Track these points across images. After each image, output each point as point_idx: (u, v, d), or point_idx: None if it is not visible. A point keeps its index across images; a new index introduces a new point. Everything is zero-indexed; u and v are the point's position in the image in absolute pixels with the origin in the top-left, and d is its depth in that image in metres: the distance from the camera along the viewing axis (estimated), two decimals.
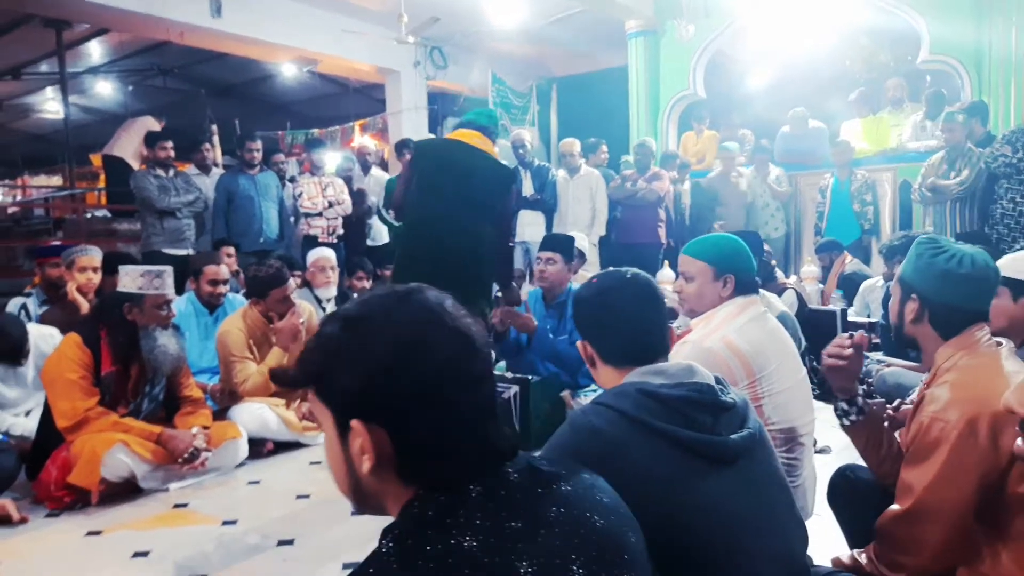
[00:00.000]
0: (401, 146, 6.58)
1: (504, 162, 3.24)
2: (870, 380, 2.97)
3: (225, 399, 3.55)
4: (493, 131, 3.26)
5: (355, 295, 4.83)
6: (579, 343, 1.44)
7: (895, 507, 1.49)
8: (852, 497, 1.79)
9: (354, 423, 0.80)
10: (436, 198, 3.10)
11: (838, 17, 7.03)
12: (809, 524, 1.92)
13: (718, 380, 1.27)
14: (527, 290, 5.43)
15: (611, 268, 1.47)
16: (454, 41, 8.96)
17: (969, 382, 1.45)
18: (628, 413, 1.16)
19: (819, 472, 2.03)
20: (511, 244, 3.51)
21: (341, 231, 5.93)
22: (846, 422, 1.75)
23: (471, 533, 0.75)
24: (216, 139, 8.61)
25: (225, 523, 2.65)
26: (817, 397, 3.42)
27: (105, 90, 12.48)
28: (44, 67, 10.82)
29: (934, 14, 6.32)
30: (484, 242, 3.14)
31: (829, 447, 3.16)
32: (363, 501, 0.86)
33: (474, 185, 3.08)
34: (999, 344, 1.53)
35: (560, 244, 3.68)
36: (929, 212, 5.21)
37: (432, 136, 6.54)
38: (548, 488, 0.84)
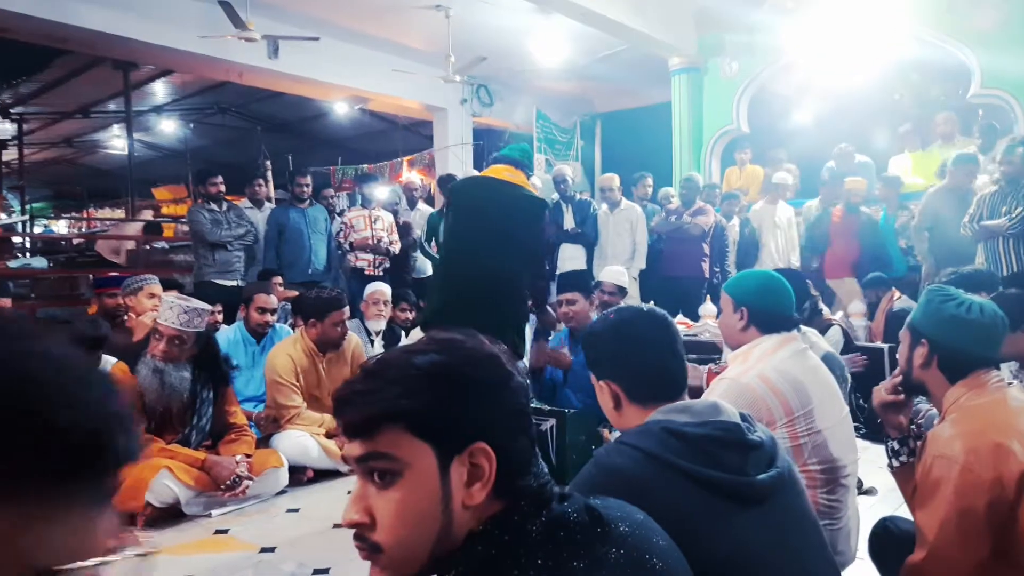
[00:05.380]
0: (445, 181, 6.71)
1: (537, 194, 3.30)
2: (920, 420, 2.88)
3: (269, 426, 3.62)
4: (526, 164, 3.33)
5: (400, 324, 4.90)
6: (600, 384, 1.36)
7: (912, 556, 1.45)
8: (893, 550, 1.74)
9: (479, 446, 0.80)
10: (470, 234, 3.14)
11: (887, 53, 6.96)
12: (853, 568, 1.86)
13: (745, 418, 1.25)
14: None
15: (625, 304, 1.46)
16: (500, 79, 9.15)
17: (970, 417, 1.44)
18: (652, 452, 1.14)
19: (866, 515, 1.98)
20: (545, 270, 3.59)
21: (387, 264, 6.06)
22: (896, 463, 1.72)
23: (533, 572, 0.76)
24: (269, 174, 8.94)
25: (264, 550, 2.69)
26: (862, 436, 3.32)
27: (168, 127, 13.08)
28: (112, 106, 11.39)
29: (985, 49, 6.21)
30: (516, 275, 3.14)
31: (875, 488, 3.06)
32: (439, 551, 0.81)
33: (505, 218, 3.11)
34: (1009, 384, 1.52)
35: (577, 282, 3.74)
36: (980, 249, 5.03)
37: (475, 173, 6.64)
38: (606, 529, 0.83)
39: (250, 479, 3.07)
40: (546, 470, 0.87)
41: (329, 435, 3.56)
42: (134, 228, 9.24)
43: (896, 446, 1.71)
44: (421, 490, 0.79)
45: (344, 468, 3.53)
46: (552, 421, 3.29)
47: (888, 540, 1.78)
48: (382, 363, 0.84)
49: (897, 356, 1.72)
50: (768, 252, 6.43)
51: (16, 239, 9.89)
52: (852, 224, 6.05)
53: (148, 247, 8.69)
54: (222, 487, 3.00)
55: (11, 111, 11.51)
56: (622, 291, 4.57)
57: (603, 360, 1.38)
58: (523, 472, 0.83)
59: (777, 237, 6.45)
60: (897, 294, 5.20)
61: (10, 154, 13.80)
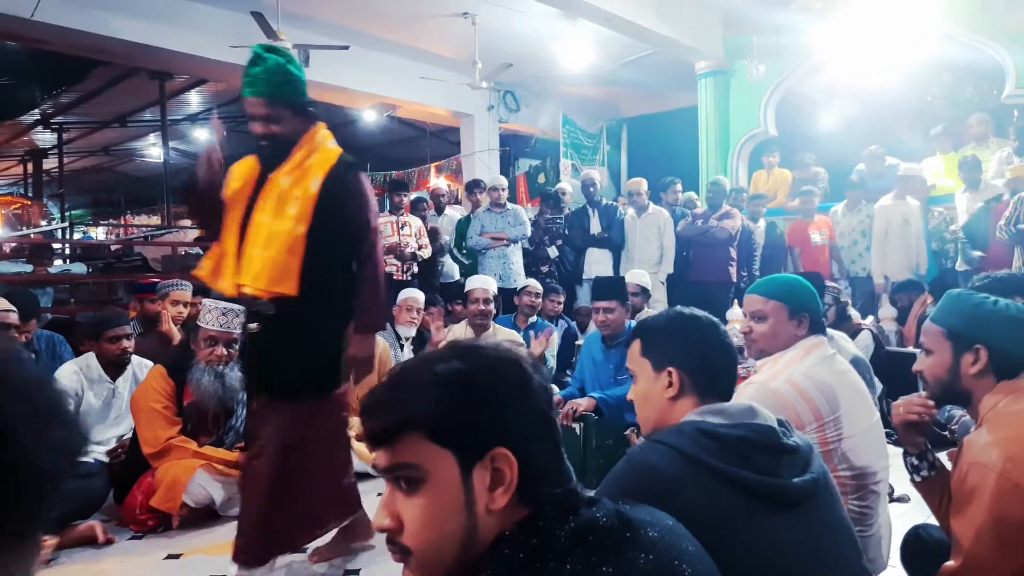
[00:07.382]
0: (472, 186, 6.76)
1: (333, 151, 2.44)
2: (953, 427, 2.83)
3: None
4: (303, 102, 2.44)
5: (430, 330, 4.95)
6: (661, 373, 1.34)
7: (947, 564, 1.43)
8: (926, 558, 1.71)
9: (499, 451, 0.81)
10: None
11: (918, 53, 6.85)
12: None
13: (781, 422, 1.24)
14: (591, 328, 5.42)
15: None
16: (526, 85, 9.18)
17: (1007, 423, 1.40)
18: (686, 451, 1.14)
19: (898, 522, 1.96)
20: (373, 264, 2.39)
21: (415, 268, 6.10)
22: (917, 478, 1.71)
23: None
24: None
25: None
26: (893, 443, 3.27)
27: (202, 136, 13.33)
28: (148, 115, 11.65)
29: (1020, 48, 6.08)
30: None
31: (908, 496, 3.01)
32: (468, 554, 0.82)
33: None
34: None
35: (616, 291, 3.67)
36: (1017, 252, 4.92)
37: (498, 175, 6.67)
38: (636, 534, 0.83)
39: None
40: (572, 474, 0.88)
41: (359, 438, 3.58)
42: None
43: (915, 461, 1.69)
44: (444, 495, 0.81)
45: (373, 470, 3.55)
46: (579, 425, 3.30)
47: (921, 548, 1.76)
48: (402, 372, 0.87)
49: (920, 368, 1.63)
50: (898, 253, 5.85)
51: (56, 245, 10.15)
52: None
53: (183, 252, 8.86)
54: None
55: (51, 121, 11.84)
56: (645, 292, 4.56)
57: (676, 349, 1.36)
58: (548, 477, 0.84)
59: (908, 236, 5.86)
60: (930, 298, 5.10)
61: (50, 163, 14.20)
